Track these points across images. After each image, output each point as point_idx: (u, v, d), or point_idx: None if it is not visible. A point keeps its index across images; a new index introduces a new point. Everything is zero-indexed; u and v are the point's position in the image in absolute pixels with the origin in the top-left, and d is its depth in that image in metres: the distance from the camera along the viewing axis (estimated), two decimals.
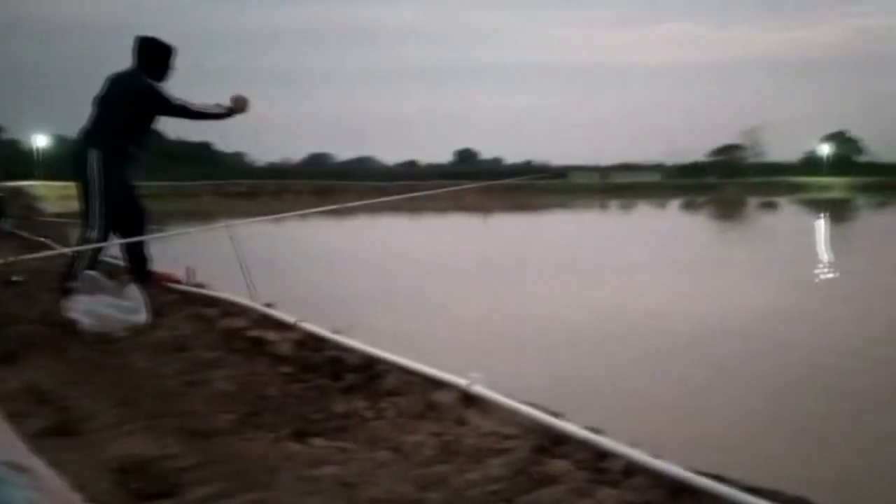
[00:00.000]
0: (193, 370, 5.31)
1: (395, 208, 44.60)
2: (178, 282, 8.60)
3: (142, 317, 6.60)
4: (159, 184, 49.31)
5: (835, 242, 31.54)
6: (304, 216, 30.85)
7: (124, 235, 8.19)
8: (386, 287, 16.01)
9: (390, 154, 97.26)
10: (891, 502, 5.44)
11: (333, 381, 4.91)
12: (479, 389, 4.35)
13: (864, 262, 23.03)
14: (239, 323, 6.60)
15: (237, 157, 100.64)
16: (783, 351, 10.09)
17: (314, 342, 5.77)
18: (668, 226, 41.98)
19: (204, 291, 8.09)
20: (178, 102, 7.95)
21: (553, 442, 3.84)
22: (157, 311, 6.93)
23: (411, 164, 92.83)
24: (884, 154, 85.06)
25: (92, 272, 7.27)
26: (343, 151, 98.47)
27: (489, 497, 3.34)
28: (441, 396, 4.45)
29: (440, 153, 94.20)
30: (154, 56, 8.03)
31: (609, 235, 33.86)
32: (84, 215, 7.95)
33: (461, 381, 4.46)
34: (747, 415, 7.55)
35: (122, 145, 8.03)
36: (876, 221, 44.45)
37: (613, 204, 60.95)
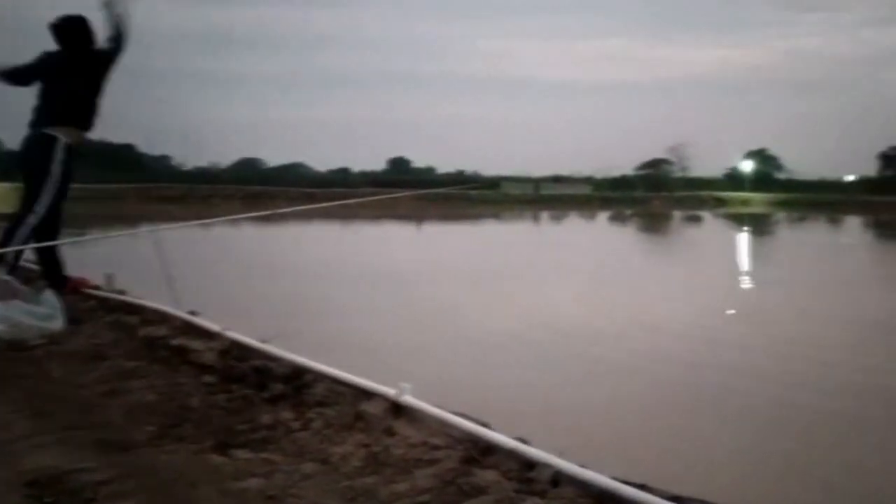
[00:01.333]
0: (112, 380, 5.12)
1: (326, 215, 44.24)
2: (96, 287, 8.33)
3: (58, 324, 6.35)
4: (81, 186, 47.73)
5: (754, 255, 32.72)
6: (232, 222, 30.26)
7: (38, 238, 7.90)
8: (315, 295, 15.85)
9: (321, 161, 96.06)
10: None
11: (259, 391, 4.80)
12: (408, 399, 4.31)
13: (781, 274, 23.98)
14: (161, 331, 6.40)
15: (163, 160, 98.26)
16: (690, 367, 10.38)
17: (239, 351, 5.64)
18: (596, 237, 42.81)
19: (125, 298, 7.83)
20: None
21: (482, 452, 3.83)
22: (74, 319, 6.68)
23: (343, 172, 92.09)
24: (801, 171, 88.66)
25: (6, 277, 6.98)
26: (273, 157, 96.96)
27: None
28: (370, 407, 4.40)
29: (372, 161, 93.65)
30: (79, 32, 7.87)
31: (539, 246, 34.31)
32: (25, 200, 7.72)
33: (390, 391, 4.42)
34: (665, 425, 7.77)
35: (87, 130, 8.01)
36: (793, 236, 46.25)
37: (544, 215, 61.79)
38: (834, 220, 57.96)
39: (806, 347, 11.14)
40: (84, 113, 8.00)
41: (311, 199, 52.84)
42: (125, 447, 3.91)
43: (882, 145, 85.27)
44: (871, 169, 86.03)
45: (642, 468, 4.16)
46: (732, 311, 15.10)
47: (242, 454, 3.85)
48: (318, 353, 5.26)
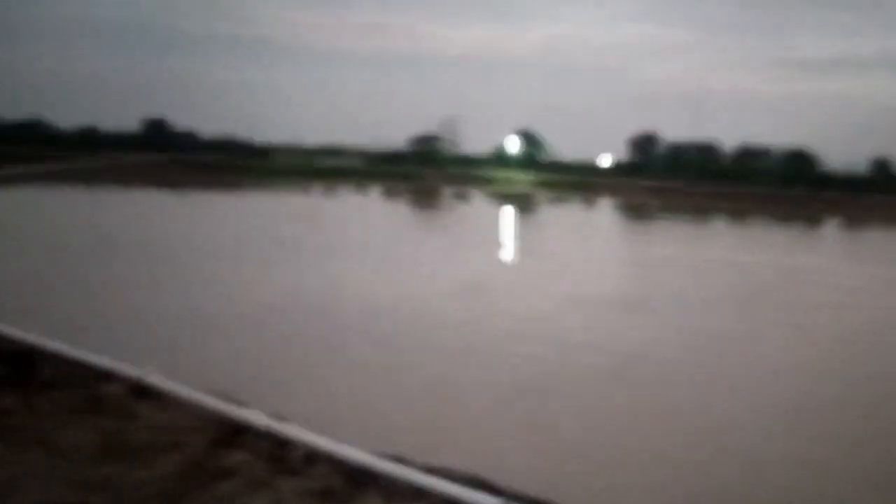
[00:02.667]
0: None
1: (69, 180, 40.63)
2: None
3: None
4: None
5: (518, 231, 34.68)
6: None
7: None
8: (54, 268, 14.40)
9: (64, 118, 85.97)
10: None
11: None
12: (153, 380, 4.00)
13: (538, 248, 25.70)
14: None
15: None
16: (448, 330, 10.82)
17: None
18: (369, 211, 43.04)
19: None
20: None
21: (233, 433, 3.64)
22: None
23: (91, 131, 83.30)
24: (563, 153, 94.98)
25: None
26: (6, 112, 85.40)
27: (159, 497, 3.06)
28: (110, 389, 4.03)
29: (125, 121, 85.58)
30: None
31: (310, 218, 33.79)
32: None
33: (133, 372, 4.07)
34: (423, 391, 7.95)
35: None
36: (554, 213, 49.59)
37: (316, 187, 61.08)
38: (589, 202, 62.92)
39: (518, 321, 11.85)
40: None
41: (57, 160, 48.35)
42: None
43: (632, 132, 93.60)
44: (623, 153, 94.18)
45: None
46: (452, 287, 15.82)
47: None
48: (50, 332, 4.74)
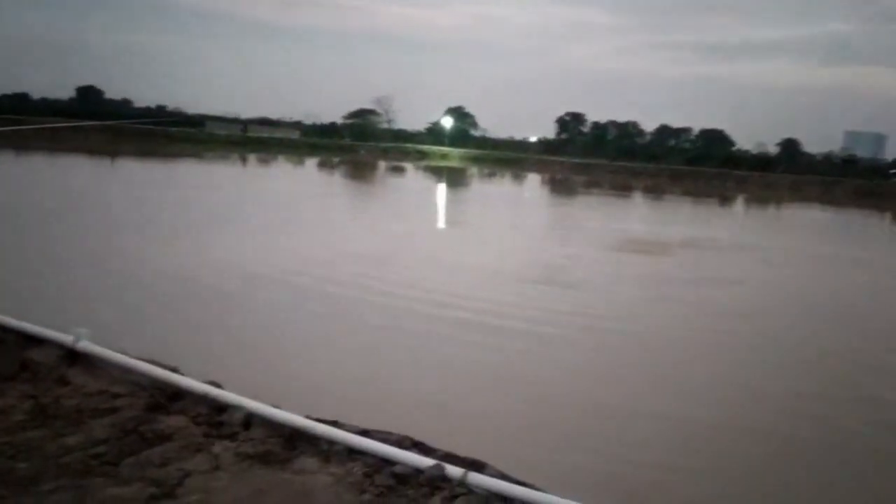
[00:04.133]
0: None
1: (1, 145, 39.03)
2: None
3: None
4: None
5: (449, 203, 34.90)
6: None
7: None
8: None
9: None
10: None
11: None
12: (85, 345, 3.94)
13: (470, 219, 25.97)
14: None
15: None
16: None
17: None
18: (303, 182, 42.53)
19: None
20: None
21: (169, 398, 3.63)
22: None
23: (21, 98, 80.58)
24: (493, 130, 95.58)
25: None
26: None
27: (90, 461, 3.04)
28: (39, 354, 3.96)
29: (57, 89, 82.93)
30: None
31: (243, 189, 33.23)
32: None
33: (65, 338, 4.01)
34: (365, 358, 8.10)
35: None
36: (484, 188, 49.99)
37: (251, 158, 59.94)
38: (518, 176, 63.63)
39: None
40: None
41: None
42: None
43: (559, 111, 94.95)
44: (549, 131, 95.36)
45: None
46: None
47: None
48: None
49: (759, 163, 76.57)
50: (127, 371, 3.86)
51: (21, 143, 42.48)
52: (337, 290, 11.63)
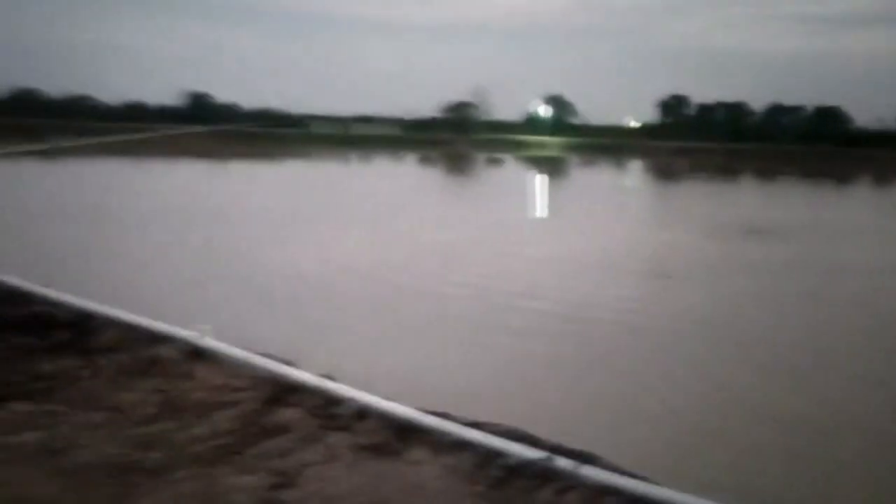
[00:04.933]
0: None
1: (120, 152, 41.25)
2: None
3: None
4: None
5: (550, 193, 34.61)
6: (7, 158, 27.44)
7: None
8: (107, 237, 14.81)
9: (110, 93, 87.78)
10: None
11: (39, 339, 4.42)
12: (208, 342, 4.15)
13: (569, 211, 25.67)
14: None
15: None
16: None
17: (17, 297, 5.16)
18: (404, 179, 43.09)
19: None
20: None
21: (285, 391, 3.78)
22: None
23: (138, 107, 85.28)
24: (592, 117, 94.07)
25: None
26: (53, 88, 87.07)
27: (216, 451, 3.21)
28: (166, 351, 4.19)
29: (168, 95, 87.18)
30: None
31: (350, 187, 33.93)
32: None
33: (189, 334, 4.23)
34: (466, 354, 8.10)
35: None
36: (584, 176, 49.28)
37: (353, 155, 61.21)
38: (619, 164, 62.32)
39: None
40: None
41: (103, 134, 49.02)
42: None
43: (660, 93, 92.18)
44: (651, 116, 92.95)
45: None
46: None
47: (20, 406, 3.54)
48: (109, 298, 4.92)
49: (881, 139, 72.06)
50: (245, 365, 4.03)
51: (143, 151, 44.80)
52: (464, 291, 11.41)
